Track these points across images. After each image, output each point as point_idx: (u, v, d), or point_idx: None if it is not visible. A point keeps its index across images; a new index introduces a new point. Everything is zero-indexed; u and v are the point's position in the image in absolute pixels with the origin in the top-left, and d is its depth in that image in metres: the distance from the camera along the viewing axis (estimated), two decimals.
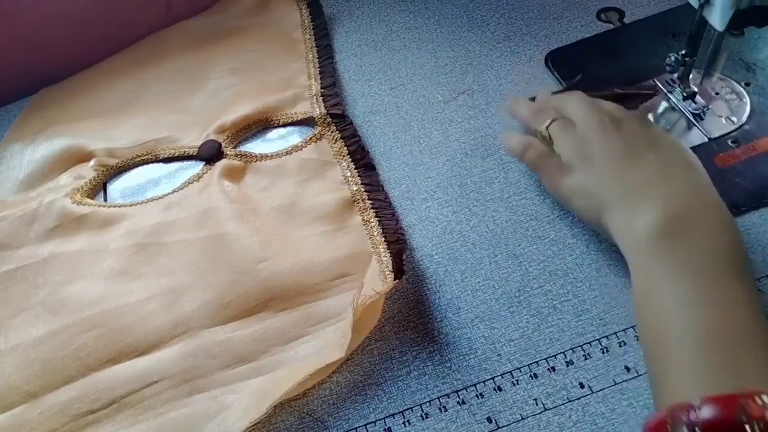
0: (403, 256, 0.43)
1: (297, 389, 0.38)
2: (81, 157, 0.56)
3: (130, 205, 0.51)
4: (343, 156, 0.51)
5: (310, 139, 0.53)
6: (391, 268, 0.42)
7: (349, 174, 0.49)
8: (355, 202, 0.48)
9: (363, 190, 0.48)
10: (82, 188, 0.53)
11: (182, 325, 0.43)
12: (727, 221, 0.34)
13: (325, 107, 0.54)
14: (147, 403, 0.40)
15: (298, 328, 0.42)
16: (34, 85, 0.65)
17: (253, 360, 0.41)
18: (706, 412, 0.26)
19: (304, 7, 0.64)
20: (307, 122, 0.55)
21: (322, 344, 0.41)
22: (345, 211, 0.47)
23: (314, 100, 0.55)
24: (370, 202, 0.47)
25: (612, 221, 0.37)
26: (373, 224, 0.46)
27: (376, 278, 0.42)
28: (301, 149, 0.52)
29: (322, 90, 0.56)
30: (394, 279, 0.41)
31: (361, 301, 0.38)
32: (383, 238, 0.44)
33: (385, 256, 0.43)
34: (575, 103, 0.43)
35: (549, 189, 0.43)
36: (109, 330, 0.43)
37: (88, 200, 0.52)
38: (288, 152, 0.52)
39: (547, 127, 0.42)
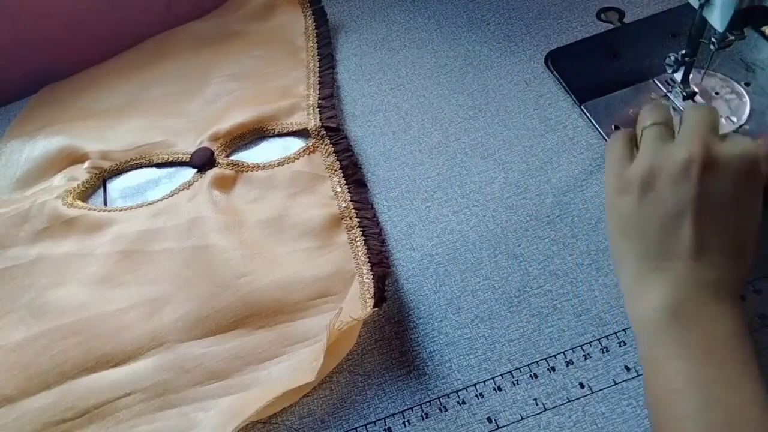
0: (386, 282, 0.43)
1: (266, 411, 0.38)
2: (76, 158, 0.56)
3: (120, 210, 0.51)
4: (335, 171, 0.51)
5: (304, 151, 0.53)
6: (372, 293, 0.41)
7: (339, 190, 0.49)
8: (342, 219, 0.48)
9: (352, 207, 0.48)
10: (74, 190, 0.53)
11: (159, 337, 0.43)
12: (738, 309, 0.32)
13: (321, 119, 0.54)
14: (119, 416, 0.40)
15: (273, 347, 0.42)
16: (34, 85, 0.65)
17: (226, 378, 0.41)
18: None
19: (309, 14, 0.64)
20: (302, 133, 0.54)
21: (295, 366, 0.41)
22: (332, 228, 0.47)
23: (310, 111, 0.55)
24: (358, 220, 0.47)
25: (625, 278, 0.35)
26: (358, 243, 0.46)
27: (357, 301, 0.42)
28: (293, 161, 0.52)
29: (320, 101, 0.56)
30: (374, 306, 0.40)
31: (338, 326, 0.38)
32: (367, 259, 0.44)
33: (367, 278, 0.43)
34: (693, 119, 0.35)
35: (605, 190, 0.38)
36: (88, 338, 0.44)
37: (80, 203, 0.52)
38: (280, 163, 0.52)
39: (644, 128, 0.37)
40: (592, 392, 0.38)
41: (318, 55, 0.60)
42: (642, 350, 0.34)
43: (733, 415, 0.29)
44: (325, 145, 0.52)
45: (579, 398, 0.37)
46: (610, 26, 0.56)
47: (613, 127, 0.49)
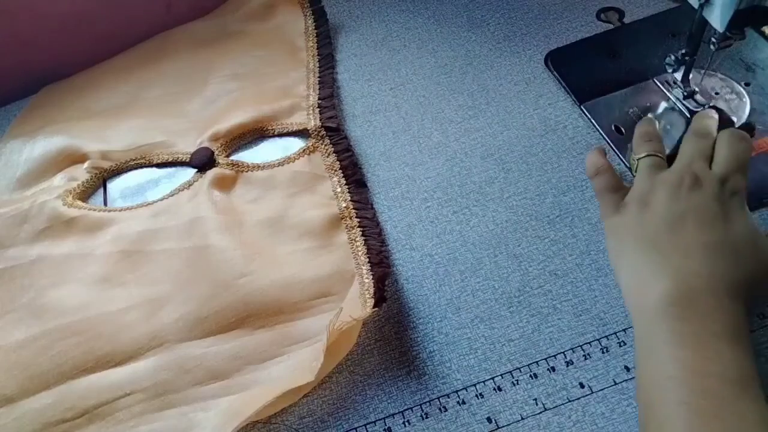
0: (386, 282, 0.43)
1: (266, 411, 0.38)
2: (76, 158, 0.56)
3: (120, 210, 0.51)
4: (335, 171, 0.51)
5: (304, 151, 0.52)
6: (372, 293, 0.41)
7: (339, 190, 0.49)
8: (342, 219, 0.48)
9: (352, 207, 0.48)
10: (74, 190, 0.53)
11: (159, 337, 0.43)
12: (738, 306, 0.34)
13: (321, 119, 0.54)
14: (119, 416, 0.40)
15: (273, 347, 0.42)
16: (34, 85, 0.65)
17: (227, 378, 0.41)
18: None
19: (309, 14, 0.64)
20: (302, 133, 0.54)
21: (295, 366, 0.40)
22: (332, 228, 0.47)
23: (310, 111, 0.55)
24: (358, 220, 0.47)
25: (626, 278, 0.37)
26: (358, 243, 0.46)
27: (357, 301, 0.42)
28: (293, 161, 0.52)
29: (320, 101, 0.56)
30: (374, 306, 0.40)
31: (338, 326, 0.38)
32: (367, 259, 0.44)
33: (367, 278, 0.43)
34: (687, 146, 0.41)
35: (602, 220, 0.42)
36: (88, 338, 0.43)
37: (80, 203, 0.52)
38: (280, 163, 0.52)
39: (639, 159, 0.42)
40: (592, 392, 0.38)
41: (318, 55, 0.60)
42: (638, 340, 0.35)
43: (724, 407, 0.30)
44: (325, 145, 0.52)
45: (579, 398, 0.37)
46: (610, 26, 0.56)
47: (613, 127, 0.49)
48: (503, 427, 0.37)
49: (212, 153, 0.53)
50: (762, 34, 0.51)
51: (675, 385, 0.31)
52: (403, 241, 0.46)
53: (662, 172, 0.40)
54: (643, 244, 0.37)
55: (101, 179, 0.55)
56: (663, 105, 0.49)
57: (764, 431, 0.30)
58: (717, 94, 0.49)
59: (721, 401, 0.30)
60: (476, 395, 0.39)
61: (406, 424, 0.38)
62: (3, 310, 0.47)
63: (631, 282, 0.37)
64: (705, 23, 0.42)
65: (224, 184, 0.51)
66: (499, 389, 0.39)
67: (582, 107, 0.51)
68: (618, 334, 0.39)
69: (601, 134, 0.49)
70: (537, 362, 0.39)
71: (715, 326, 0.32)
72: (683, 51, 0.46)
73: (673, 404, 0.31)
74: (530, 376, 0.39)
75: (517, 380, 0.39)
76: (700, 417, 0.30)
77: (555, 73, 0.53)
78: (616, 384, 0.38)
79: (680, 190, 0.38)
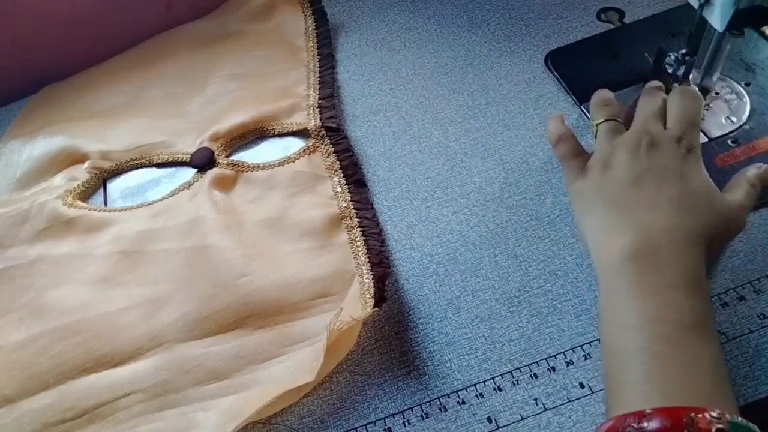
0: (386, 282, 0.43)
1: (266, 411, 0.38)
2: (76, 158, 0.56)
3: (120, 210, 0.51)
4: (335, 171, 0.51)
5: (304, 151, 0.53)
6: (372, 293, 0.41)
7: (339, 190, 0.49)
8: (342, 219, 0.48)
9: (352, 207, 0.48)
10: (74, 190, 0.53)
11: (159, 337, 0.43)
12: (693, 254, 0.35)
13: (321, 119, 0.54)
14: (119, 416, 0.40)
15: (273, 347, 0.42)
16: (34, 85, 0.65)
17: (226, 378, 0.41)
18: (655, 423, 0.28)
19: (309, 14, 0.64)
20: (302, 133, 0.54)
21: (295, 366, 0.40)
22: (332, 228, 0.47)
23: (311, 111, 0.55)
24: (358, 220, 0.47)
25: (591, 237, 0.39)
26: (358, 243, 0.46)
27: (357, 301, 0.42)
28: (293, 161, 0.52)
29: (320, 101, 0.56)
30: (374, 306, 0.40)
31: (338, 326, 0.38)
32: (367, 259, 0.44)
33: (367, 278, 0.43)
34: (641, 110, 0.42)
35: (566, 186, 0.43)
36: (88, 338, 0.44)
37: (80, 203, 0.52)
38: (280, 163, 0.52)
39: (597, 124, 0.43)
40: (592, 392, 0.38)
41: (318, 55, 0.60)
42: (602, 292, 0.36)
43: (679, 351, 0.32)
44: (325, 145, 0.52)
45: (579, 398, 0.38)
46: (610, 26, 0.56)
47: None
48: (503, 427, 0.37)
49: (212, 153, 0.53)
50: (762, 34, 0.51)
51: (634, 333, 0.33)
52: (403, 241, 0.46)
53: (621, 135, 0.41)
54: (607, 203, 0.38)
55: (101, 179, 0.55)
56: None
57: (715, 370, 0.31)
58: (717, 94, 0.49)
59: (676, 346, 0.32)
60: (476, 395, 0.39)
61: (406, 424, 0.38)
62: (3, 310, 0.47)
63: (596, 239, 0.38)
64: (705, 23, 0.42)
65: (224, 184, 0.51)
66: (500, 389, 0.39)
67: (582, 107, 0.51)
68: None
69: None
70: (537, 362, 0.39)
71: (672, 277, 0.34)
72: (683, 51, 0.46)
73: (632, 350, 0.32)
74: (530, 376, 0.39)
75: (517, 380, 0.39)
76: (657, 361, 0.31)
77: (555, 73, 0.53)
78: None
79: (639, 151, 0.39)
